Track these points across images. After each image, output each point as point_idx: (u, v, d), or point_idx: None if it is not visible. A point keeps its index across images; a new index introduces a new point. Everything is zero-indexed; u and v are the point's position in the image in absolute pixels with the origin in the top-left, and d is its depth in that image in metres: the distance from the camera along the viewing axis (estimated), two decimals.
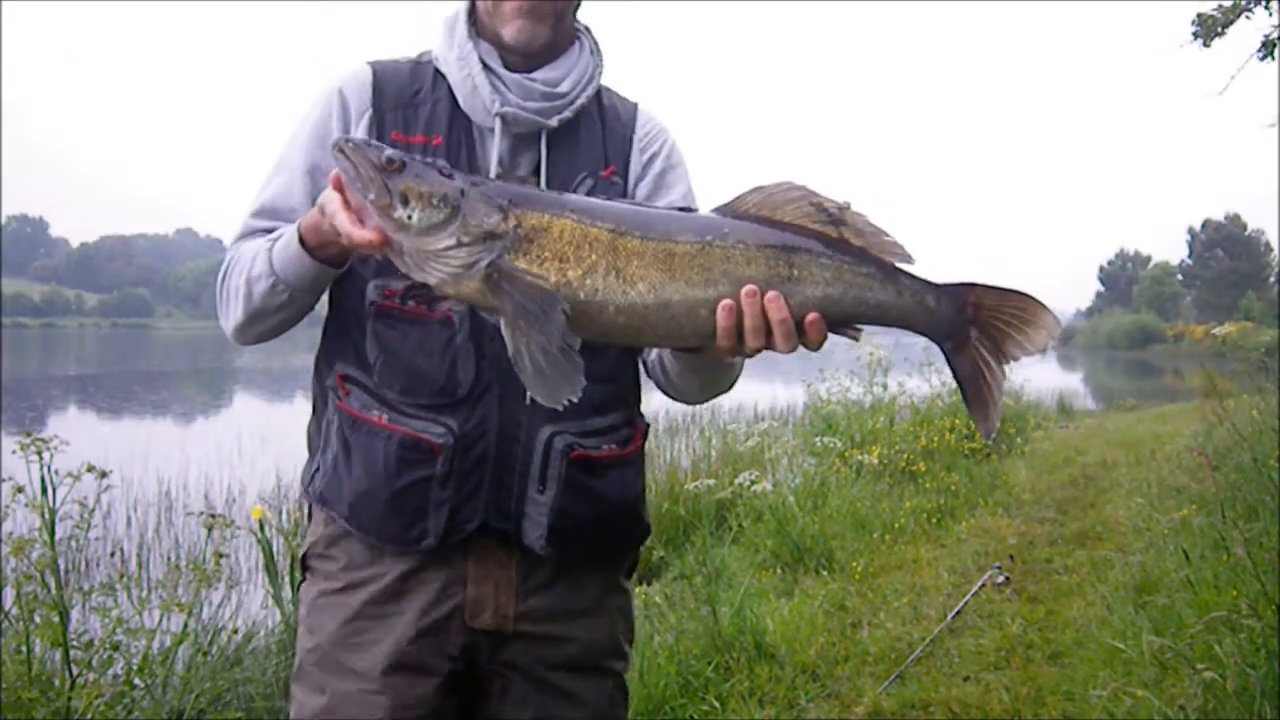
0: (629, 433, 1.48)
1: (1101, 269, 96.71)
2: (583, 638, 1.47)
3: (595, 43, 1.54)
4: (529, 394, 1.18)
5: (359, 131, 1.42)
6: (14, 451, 2.13)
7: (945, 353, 1.24)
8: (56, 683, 2.11)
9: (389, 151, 1.15)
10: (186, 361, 37.04)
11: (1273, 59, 6.04)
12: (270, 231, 1.40)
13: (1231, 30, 6.25)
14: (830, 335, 1.20)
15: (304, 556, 1.50)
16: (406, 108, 1.44)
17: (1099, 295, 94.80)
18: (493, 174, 1.39)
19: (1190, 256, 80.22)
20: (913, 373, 9.34)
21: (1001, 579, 4.52)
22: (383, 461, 1.36)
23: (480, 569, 1.41)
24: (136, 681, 2.26)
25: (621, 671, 1.54)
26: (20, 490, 2.15)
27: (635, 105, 1.59)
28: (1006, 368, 1.22)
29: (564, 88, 1.46)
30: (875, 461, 6.59)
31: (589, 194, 1.41)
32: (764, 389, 12.88)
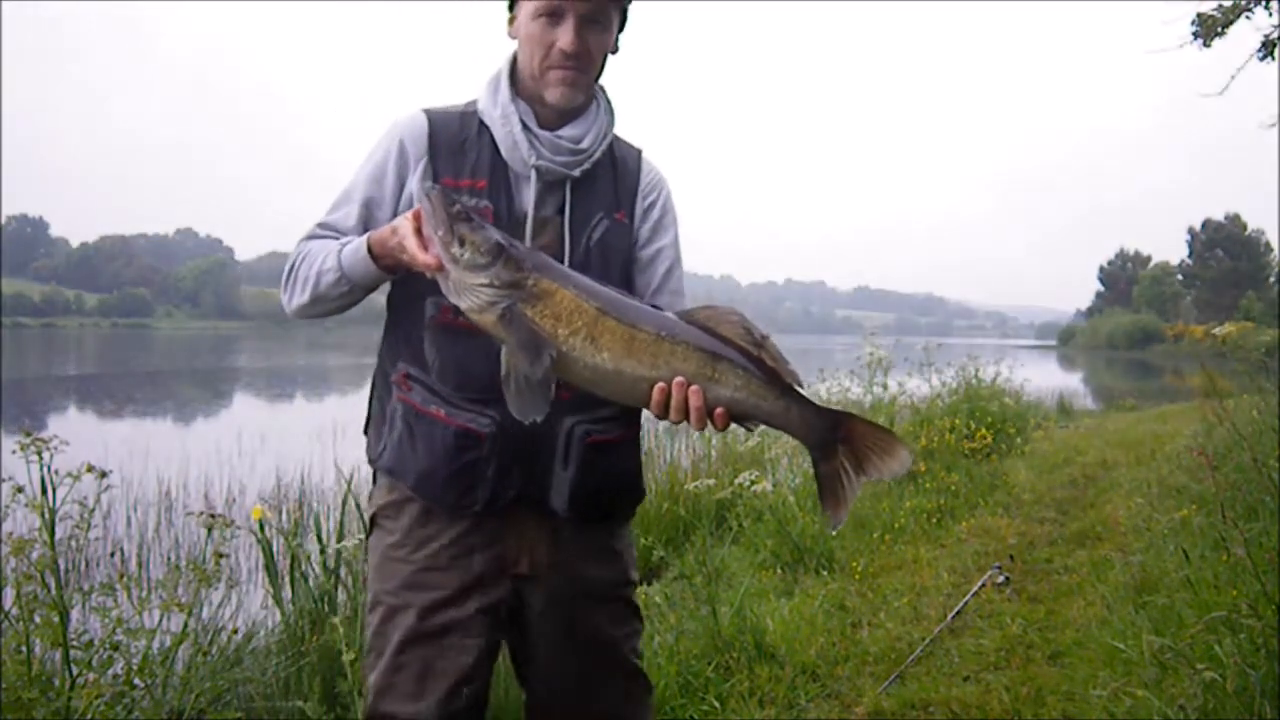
0: (631, 417, 1.83)
1: (1101, 269, 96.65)
2: (601, 575, 1.85)
3: (609, 101, 1.86)
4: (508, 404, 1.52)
5: (417, 174, 1.75)
6: (14, 451, 2.12)
7: (813, 458, 1.60)
8: (56, 683, 2.11)
9: (460, 204, 1.52)
10: (186, 361, 37.00)
11: (1273, 59, 6.03)
12: (335, 237, 1.75)
13: (1231, 30, 6.24)
14: (733, 424, 1.56)
15: (373, 515, 1.83)
16: (456, 154, 1.76)
17: (1099, 295, 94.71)
18: (529, 214, 1.74)
19: (1190, 256, 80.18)
20: (913, 373, 9.33)
21: (1001, 579, 4.51)
22: (442, 447, 1.70)
23: (514, 529, 1.77)
24: (136, 681, 2.25)
25: (632, 594, 1.93)
26: (20, 490, 2.14)
27: (639, 153, 1.92)
28: (862, 479, 1.58)
29: (585, 144, 1.79)
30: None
31: (604, 234, 1.79)
32: None
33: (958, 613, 4.09)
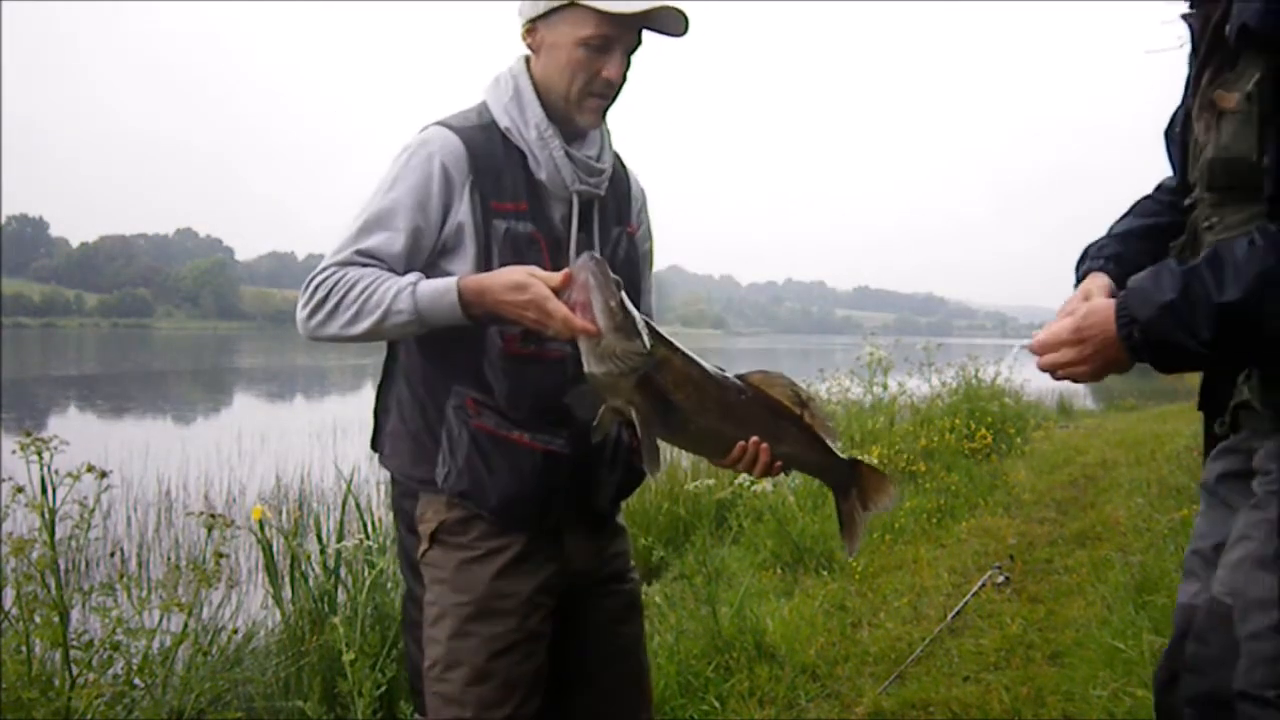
0: None
1: None
2: (620, 563, 2.01)
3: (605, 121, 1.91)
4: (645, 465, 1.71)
5: (464, 199, 1.74)
6: (14, 451, 2.12)
7: (835, 499, 1.84)
8: (56, 683, 2.10)
9: (614, 275, 1.61)
10: (186, 361, 36.99)
11: None
12: (375, 266, 1.72)
13: None
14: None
15: (434, 532, 1.83)
16: (496, 176, 1.76)
17: None
18: (573, 236, 1.81)
19: None
20: (913, 372, 9.33)
21: (1001, 579, 4.51)
22: (531, 471, 1.77)
23: (569, 532, 1.87)
24: (136, 681, 2.25)
25: (636, 586, 2.06)
26: (20, 490, 2.14)
27: (618, 158, 1.96)
28: (868, 514, 1.83)
29: (602, 163, 1.86)
30: (875, 461, 6.59)
31: (626, 250, 1.90)
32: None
33: (958, 613, 4.09)
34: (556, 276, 1.62)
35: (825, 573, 4.83)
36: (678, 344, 1.67)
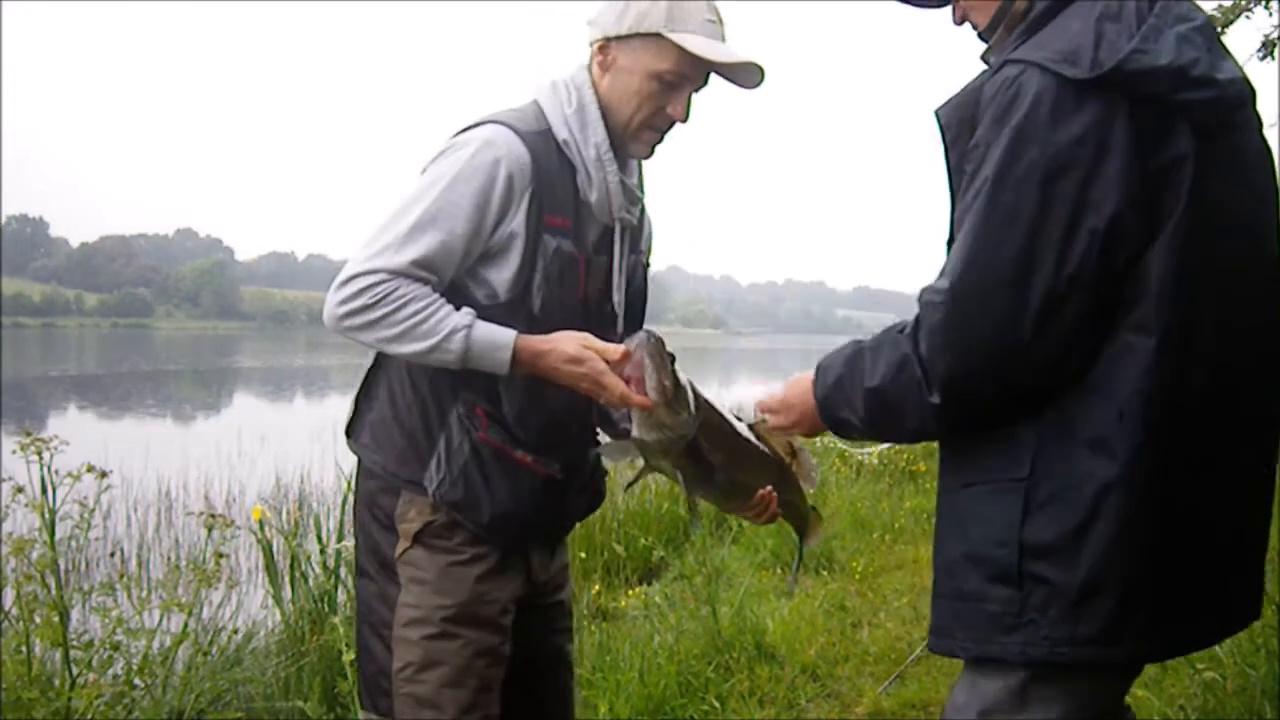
0: None
1: None
2: (565, 584, 2.04)
3: None
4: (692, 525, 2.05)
5: (521, 209, 1.69)
6: (14, 451, 2.13)
7: (799, 535, 2.08)
8: (56, 683, 2.11)
9: (669, 349, 1.66)
10: (186, 361, 37.02)
11: (1273, 59, 6.01)
12: (426, 280, 1.66)
13: (1231, 30, 6.24)
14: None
15: (418, 533, 1.78)
16: (552, 188, 1.72)
17: None
18: (614, 265, 1.83)
19: None
20: None
21: None
22: (529, 493, 1.78)
23: (535, 547, 1.89)
24: (136, 681, 2.26)
25: (570, 594, 2.09)
26: (20, 490, 2.14)
27: None
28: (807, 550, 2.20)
29: (642, 193, 1.88)
30: (875, 461, 6.59)
31: (642, 278, 1.95)
32: (764, 389, 12.84)
33: None
34: (613, 350, 1.63)
35: (825, 573, 4.83)
36: (711, 402, 1.73)
